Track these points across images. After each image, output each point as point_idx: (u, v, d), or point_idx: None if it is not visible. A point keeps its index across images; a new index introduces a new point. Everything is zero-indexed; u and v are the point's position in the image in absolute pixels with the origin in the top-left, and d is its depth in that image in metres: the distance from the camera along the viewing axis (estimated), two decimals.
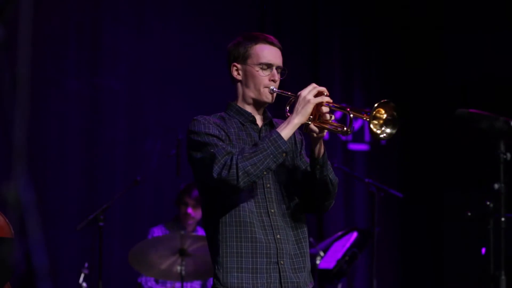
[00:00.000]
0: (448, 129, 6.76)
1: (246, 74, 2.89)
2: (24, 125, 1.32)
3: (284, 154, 2.71)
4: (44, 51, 5.67)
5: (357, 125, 7.11)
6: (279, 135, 2.71)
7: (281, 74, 2.92)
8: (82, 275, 4.67)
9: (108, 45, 6.01)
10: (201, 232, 5.29)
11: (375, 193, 5.45)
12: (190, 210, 5.31)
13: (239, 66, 2.91)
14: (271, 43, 2.90)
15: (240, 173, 2.64)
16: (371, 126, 2.65)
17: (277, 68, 2.89)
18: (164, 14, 6.28)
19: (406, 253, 7.34)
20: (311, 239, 5.36)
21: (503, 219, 3.10)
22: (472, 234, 5.47)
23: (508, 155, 3.11)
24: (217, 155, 2.70)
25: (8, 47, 1.37)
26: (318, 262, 5.39)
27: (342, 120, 6.03)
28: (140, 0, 6.25)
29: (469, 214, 3.93)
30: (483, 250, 4.26)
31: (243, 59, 2.89)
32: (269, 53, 2.88)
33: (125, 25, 6.10)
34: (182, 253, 4.63)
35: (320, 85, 2.76)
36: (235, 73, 2.92)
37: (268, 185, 2.83)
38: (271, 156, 2.68)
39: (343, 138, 7.04)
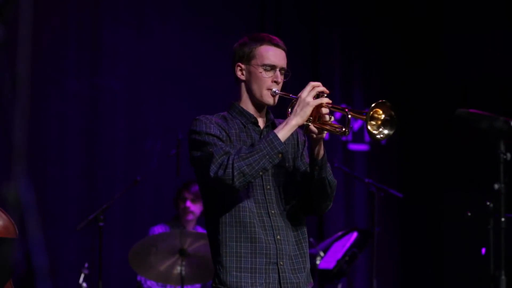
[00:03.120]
0: (448, 129, 6.76)
1: (249, 74, 2.90)
2: (24, 125, 1.32)
3: (280, 155, 2.72)
4: (44, 51, 5.67)
5: (357, 125, 7.11)
6: (276, 136, 2.71)
7: (285, 76, 2.92)
8: (82, 275, 4.67)
9: (108, 45, 6.01)
10: (200, 230, 5.28)
11: (375, 193, 5.45)
12: (189, 203, 5.30)
13: (243, 66, 2.92)
14: (276, 45, 2.91)
15: (235, 173, 2.65)
16: (369, 127, 2.67)
17: (281, 69, 2.90)
18: (164, 14, 6.28)
19: (406, 253, 7.34)
20: (311, 239, 5.36)
21: (503, 219, 3.11)
22: (472, 234, 5.47)
23: (508, 155, 3.11)
24: (215, 154, 2.71)
25: (8, 47, 1.37)
26: (318, 262, 5.39)
27: (342, 120, 6.03)
28: (140, 0, 6.25)
29: (469, 214, 3.94)
30: (483, 250, 4.26)
31: (248, 59, 2.90)
32: (273, 55, 2.89)
33: (125, 25, 6.10)
34: (182, 253, 4.63)
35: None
36: (239, 73, 2.93)
37: (268, 187, 2.83)
38: (267, 156, 2.69)
39: (343, 138, 7.04)
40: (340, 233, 5.66)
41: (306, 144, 2.97)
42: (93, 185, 5.86)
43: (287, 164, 2.88)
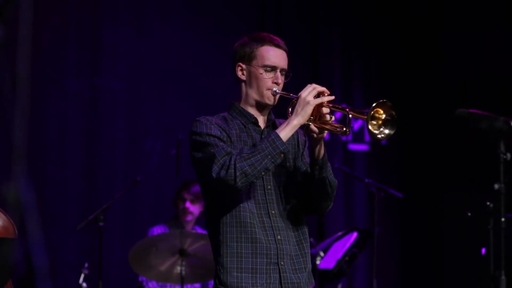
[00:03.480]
0: (448, 129, 6.76)
1: (250, 75, 2.90)
2: (24, 125, 1.32)
3: (282, 155, 2.72)
4: (44, 51, 5.67)
5: (357, 125, 7.11)
6: (278, 136, 2.71)
7: (285, 77, 2.92)
8: (82, 275, 4.67)
9: (108, 45, 6.01)
10: (200, 231, 5.28)
11: (375, 193, 5.45)
12: (188, 204, 5.31)
13: (244, 66, 2.91)
14: (277, 45, 2.90)
15: (237, 173, 2.65)
16: (369, 126, 2.67)
17: (281, 70, 2.89)
18: (164, 14, 6.28)
19: (406, 253, 7.34)
20: (312, 240, 5.35)
21: (503, 219, 3.10)
22: (472, 234, 5.47)
23: (508, 155, 3.11)
24: (216, 155, 2.71)
25: (8, 47, 1.37)
26: (318, 262, 5.39)
27: (342, 120, 6.03)
28: (140, 0, 6.25)
29: (469, 214, 3.94)
30: (483, 250, 4.26)
31: (248, 59, 2.90)
32: (274, 56, 2.88)
33: (125, 25, 6.10)
34: (182, 253, 4.63)
35: (320, 85, 2.76)
36: (239, 73, 2.93)
37: (269, 187, 2.83)
38: (269, 156, 2.69)
39: (343, 138, 7.05)
40: (340, 233, 5.66)
41: (307, 144, 2.97)
42: (93, 185, 5.86)
43: (287, 164, 2.88)
